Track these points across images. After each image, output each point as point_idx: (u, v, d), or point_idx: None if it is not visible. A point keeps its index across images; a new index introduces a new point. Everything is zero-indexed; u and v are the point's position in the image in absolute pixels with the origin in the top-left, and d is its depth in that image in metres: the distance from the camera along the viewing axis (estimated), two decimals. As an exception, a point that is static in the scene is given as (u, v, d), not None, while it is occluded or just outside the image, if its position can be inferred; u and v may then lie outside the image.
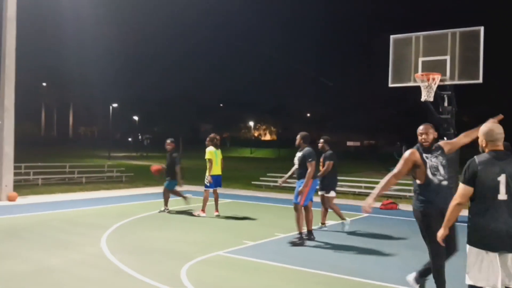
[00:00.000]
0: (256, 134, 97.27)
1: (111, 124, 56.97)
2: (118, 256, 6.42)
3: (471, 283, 3.67)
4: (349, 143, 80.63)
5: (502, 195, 3.55)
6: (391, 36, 10.86)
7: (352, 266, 6.33)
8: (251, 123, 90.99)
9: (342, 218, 8.96)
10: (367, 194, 11.84)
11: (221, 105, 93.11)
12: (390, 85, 10.93)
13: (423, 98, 10.09)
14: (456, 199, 3.74)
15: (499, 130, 3.76)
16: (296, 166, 7.86)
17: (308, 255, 6.94)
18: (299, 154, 7.80)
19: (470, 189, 3.66)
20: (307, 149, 7.74)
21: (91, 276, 5.53)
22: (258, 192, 16.56)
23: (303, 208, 7.75)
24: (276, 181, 18.85)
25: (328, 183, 8.83)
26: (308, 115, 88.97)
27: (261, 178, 19.23)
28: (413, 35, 10.67)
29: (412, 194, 15.75)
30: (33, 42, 61.07)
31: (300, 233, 7.68)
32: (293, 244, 7.53)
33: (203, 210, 10.17)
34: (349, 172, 25.90)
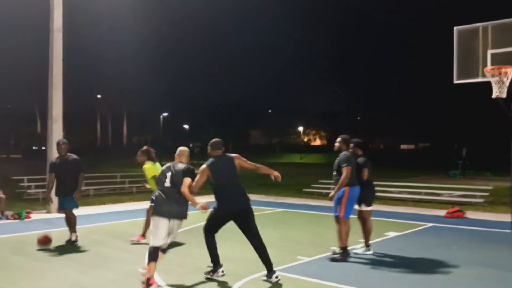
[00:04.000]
0: (305, 140, 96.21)
1: (162, 133, 57.91)
2: (162, 275, 5.93)
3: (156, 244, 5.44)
4: (402, 146, 78.02)
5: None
6: (455, 28, 9.88)
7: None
8: (301, 128, 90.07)
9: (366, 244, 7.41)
10: (428, 201, 10.98)
11: (269, 111, 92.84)
12: (455, 81, 9.92)
13: (494, 95, 9.05)
14: None
15: None
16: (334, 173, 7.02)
17: (367, 274, 6.19)
18: (336, 161, 6.99)
19: None
20: (344, 153, 6.92)
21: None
22: (310, 200, 15.80)
23: (347, 220, 6.89)
24: (329, 188, 18.06)
25: (363, 194, 7.13)
26: (359, 118, 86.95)
27: (312, 185, 18.47)
28: (480, 25, 9.62)
29: (479, 200, 14.64)
30: (87, 54, 63.37)
31: (343, 248, 6.88)
32: (333, 260, 6.78)
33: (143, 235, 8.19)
34: (406, 177, 24.65)
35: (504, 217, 10.41)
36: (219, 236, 6.02)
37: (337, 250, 7.01)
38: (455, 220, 11.41)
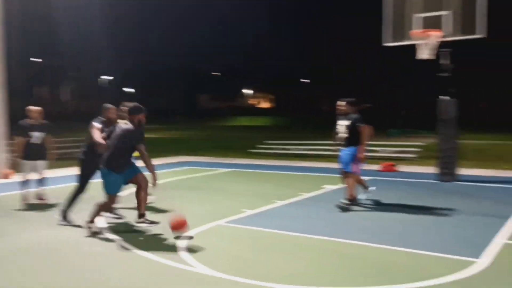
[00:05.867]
0: (253, 103, 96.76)
1: (104, 99, 56.39)
2: (115, 231, 6.29)
3: None
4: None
5: None
6: (386, -8, 10.46)
7: (350, 231, 6.24)
8: (248, 91, 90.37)
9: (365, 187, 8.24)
10: (367, 158, 11.61)
11: (217, 74, 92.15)
12: (384, 44, 10.59)
13: (420, 56, 9.78)
14: None
15: None
16: (342, 135, 7.64)
17: (306, 221, 6.84)
18: (344, 122, 7.62)
19: None
20: (355, 115, 7.58)
21: (92, 251, 5.40)
22: (256, 160, 16.42)
23: (356, 175, 7.63)
24: (274, 149, 18.75)
25: None
26: (305, 81, 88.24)
27: (258, 146, 19.08)
28: (409, -11, 10.26)
29: (412, 155, 15.80)
30: (25, 20, 59.91)
31: (352, 199, 7.60)
32: (341, 208, 7.44)
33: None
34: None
35: (432, 170, 11.41)
36: (168, 195, 6.36)
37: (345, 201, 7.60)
38: (389, 173, 12.39)
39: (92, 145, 6.49)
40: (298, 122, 62.22)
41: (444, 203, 8.11)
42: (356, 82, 73.11)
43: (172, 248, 5.43)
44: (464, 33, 9.70)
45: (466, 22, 9.63)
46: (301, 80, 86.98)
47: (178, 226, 5.87)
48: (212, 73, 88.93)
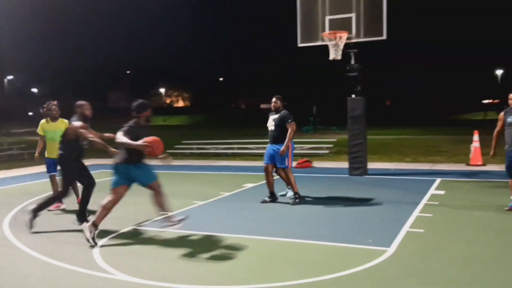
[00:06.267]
0: (168, 101, 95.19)
1: (9, 96, 52.62)
2: (24, 239, 5.92)
3: None
4: (262, 106, 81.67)
5: None
6: (298, -6, 10.79)
7: (259, 227, 6.39)
8: (163, 90, 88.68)
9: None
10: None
11: (127, 72, 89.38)
12: (299, 44, 10.94)
13: (331, 57, 10.23)
14: None
15: None
16: (271, 129, 7.79)
17: (226, 220, 6.89)
18: (275, 116, 7.78)
19: None
20: (285, 111, 7.75)
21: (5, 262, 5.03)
22: (174, 161, 16.18)
23: (287, 169, 7.84)
24: (192, 148, 18.62)
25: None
26: (221, 79, 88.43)
27: (175, 146, 18.84)
28: (319, -8, 10.68)
29: (325, 151, 16.42)
30: None
31: (296, 192, 7.87)
32: (294, 203, 7.75)
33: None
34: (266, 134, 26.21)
35: (344, 165, 11.98)
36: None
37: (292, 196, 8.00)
38: (304, 169, 12.83)
39: (71, 143, 6.46)
40: (215, 120, 62.23)
41: (356, 196, 8.56)
42: (273, 80, 74.73)
43: (88, 254, 5.22)
44: (369, 35, 10.30)
45: (370, 25, 10.22)
46: (218, 78, 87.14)
47: (156, 147, 5.78)
48: (127, 71, 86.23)
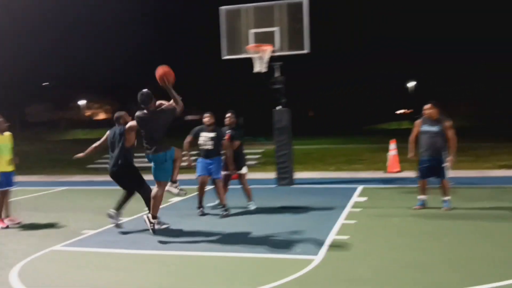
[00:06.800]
0: (89, 114, 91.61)
1: None
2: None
3: None
4: (188, 117, 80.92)
5: None
6: (221, 8, 10.87)
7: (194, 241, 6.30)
8: (83, 102, 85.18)
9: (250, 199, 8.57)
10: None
11: (49, 83, 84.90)
12: (224, 57, 11.01)
13: (255, 70, 10.38)
14: None
15: None
16: (208, 147, 7.81)
17: (150, 237, 6.71)
18: (210, 134, 7.82)
19: None
20: (219, 128, 7.96)
21: None
22: (94, 176, 15.53)
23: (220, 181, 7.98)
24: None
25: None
26: (145, 90, 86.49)
27: (96, 161, 18.10)
28: (242, 6, 10.83)
29: (252, 162, 16.41)
30: None
31: (224, 205, 7.94)
32: (223, 216, 7.78)
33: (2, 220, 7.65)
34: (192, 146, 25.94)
35: (272, 175, 12.13)
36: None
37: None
38: (232, 181, 12.78)
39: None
40: (139, 132, 60.64)
41: (283, 206, 8.70)
42: (199, 93, 74.48)
43: (2, 279, 4.83)
44: (292, 48, 10.59)
45: (293, 39, 10.52)
46: (141, 89, 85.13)
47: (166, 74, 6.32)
48: (43, 83, 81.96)
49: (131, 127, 6.94)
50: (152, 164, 6.44)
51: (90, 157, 20.64)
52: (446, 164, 7.55)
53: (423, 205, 7.82)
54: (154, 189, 6.52)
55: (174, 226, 7.30)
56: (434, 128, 7.52)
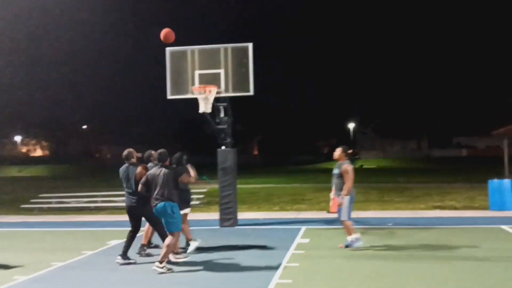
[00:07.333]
0: (24, 150, 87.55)
1: None
2: None
3: None
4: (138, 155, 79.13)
5: None
6: (167, 49, 10.93)
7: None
8: (18, 138, 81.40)
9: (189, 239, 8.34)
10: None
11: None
12: (169, 97, 11.00)
13: (201, 110, 10.41)
14: None
15: None
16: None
17: (86, 285, 6.38)
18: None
19: None
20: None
21: None
22: (29, 217, 14.71)
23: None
24: (51, 202, 17.12)
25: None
26: (85, 127, 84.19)
27: (32, 200, 17.20)
28: (188, 48, 10.94)
29: (195, 202, 16.20)
30: None
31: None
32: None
33: None
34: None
35: (215, 216, 11.99)
36: None
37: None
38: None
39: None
40: (77, 171, 58.50)
41: (226, 248, 8.57)
42: (141, 132, 73.34)
43: None
44: (237, 90, 10.76)
45: (238, 81, 10.71)
46: (81, 126, 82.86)
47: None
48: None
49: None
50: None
51: (24, 196, 19.63)
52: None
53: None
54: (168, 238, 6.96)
55: (108, 275, 7.00)
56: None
